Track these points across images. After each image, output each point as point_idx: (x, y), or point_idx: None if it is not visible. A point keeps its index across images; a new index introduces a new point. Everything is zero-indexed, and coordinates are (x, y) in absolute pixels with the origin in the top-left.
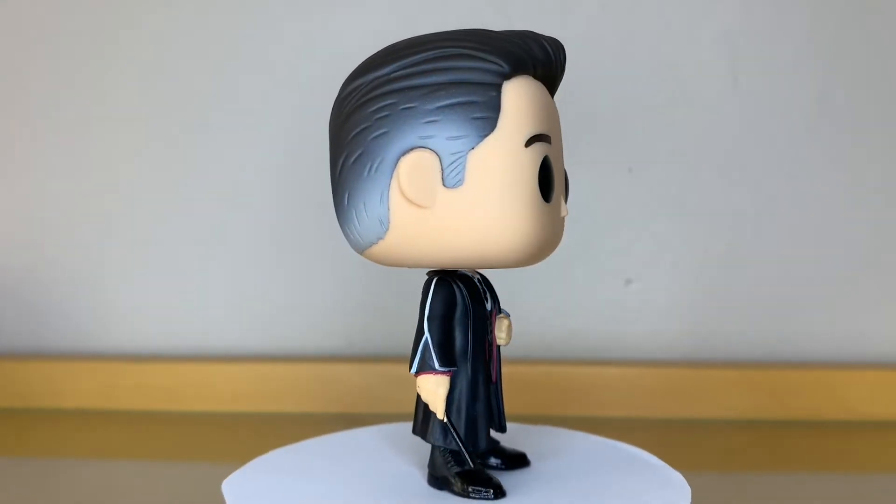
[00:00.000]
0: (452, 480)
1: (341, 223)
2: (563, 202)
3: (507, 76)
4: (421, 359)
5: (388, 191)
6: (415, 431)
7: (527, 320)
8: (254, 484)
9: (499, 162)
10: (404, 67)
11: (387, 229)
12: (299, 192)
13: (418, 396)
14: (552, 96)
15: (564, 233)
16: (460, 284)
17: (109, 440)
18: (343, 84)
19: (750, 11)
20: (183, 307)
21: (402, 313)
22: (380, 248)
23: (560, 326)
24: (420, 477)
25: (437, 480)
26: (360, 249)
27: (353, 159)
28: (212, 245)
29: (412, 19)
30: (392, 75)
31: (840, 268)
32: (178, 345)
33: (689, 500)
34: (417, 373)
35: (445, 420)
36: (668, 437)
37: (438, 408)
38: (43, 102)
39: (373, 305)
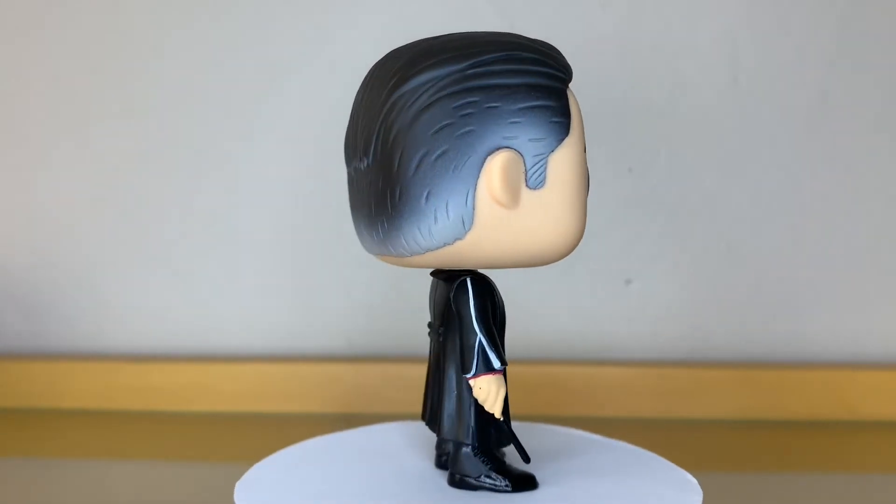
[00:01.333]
0: (490, 478)
1: (407, 223)
2: None
3: (566, 84)
4: (479, 360)
5: (475, 190)
6: (442, 434)
7: (527, 320)
8: (265, 485)
9: (575, 165)
10: (479, 65)
11: (468, 230)
12: (300, 192)
13: (443, 398)
14: None
15: None
16: (491, 283)
17: (109, 440)
18: (397, 78)
19: (750, 11)
20: (183, 307)
21: (402, 313)
22: (452, 249)
23: (560, 326)
24: (435, 474)
25: (464, 480)
26: (421, 251)
27: (434, 156)
28: (212, 245)
29: (413, 19)
30: (468, 72)
31: (840, 268)
32: (178, 345)
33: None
34: (477, 374)
35: (503, 419)
36: (668, 437)
37: (498, 407)
38: (43, 102)
39: (373, 305)
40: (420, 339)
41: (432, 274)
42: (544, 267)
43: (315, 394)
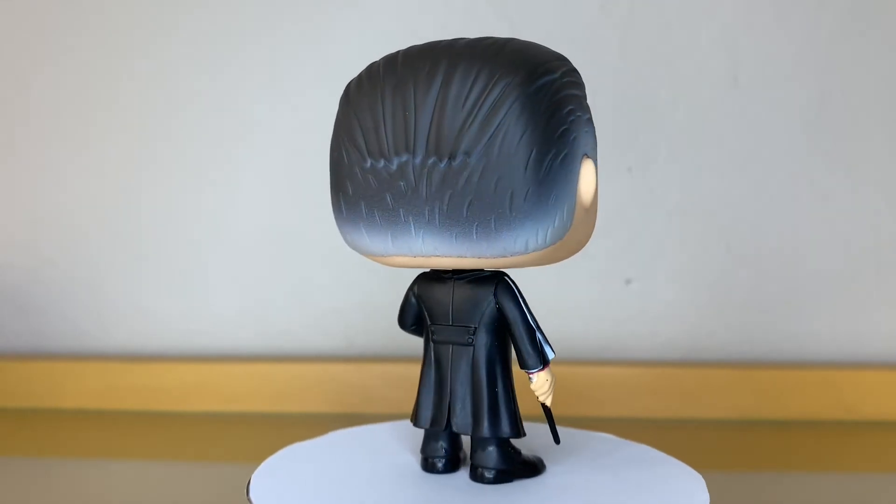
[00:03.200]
0: (522, 467)
1: (531, 223)
2: None
3: None
4: (540, 354)
5: (576, 194)
6: (482, 433)
7: None
8: (278, 480)
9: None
10: (565, 76)
11: (568, 230)
12: (299, 191)
13: (480, 397)
14: None
15: None
16: None
17: (109, 440)
18: (514, 80)
19: (750, 11)
20: (183, 307)
21: None
22: (550, 250)
23: (560, 326)
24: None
25: (498, 475)
26: (527, 251)
27: (559, 159)
28: (212, 245)
29: (413, 20)
30: (563, 80)
31: (840, 268)
32: (178, 345)
33: (706, 495)
34: (541, 368)
35: (549, 407)
36: (668, 437)
37: (552, 396)
38: (44, 102)
39: (373, 305)
40: (419, 338)
41: (453, 274)
42: (544, 267)
43: (315, 394)
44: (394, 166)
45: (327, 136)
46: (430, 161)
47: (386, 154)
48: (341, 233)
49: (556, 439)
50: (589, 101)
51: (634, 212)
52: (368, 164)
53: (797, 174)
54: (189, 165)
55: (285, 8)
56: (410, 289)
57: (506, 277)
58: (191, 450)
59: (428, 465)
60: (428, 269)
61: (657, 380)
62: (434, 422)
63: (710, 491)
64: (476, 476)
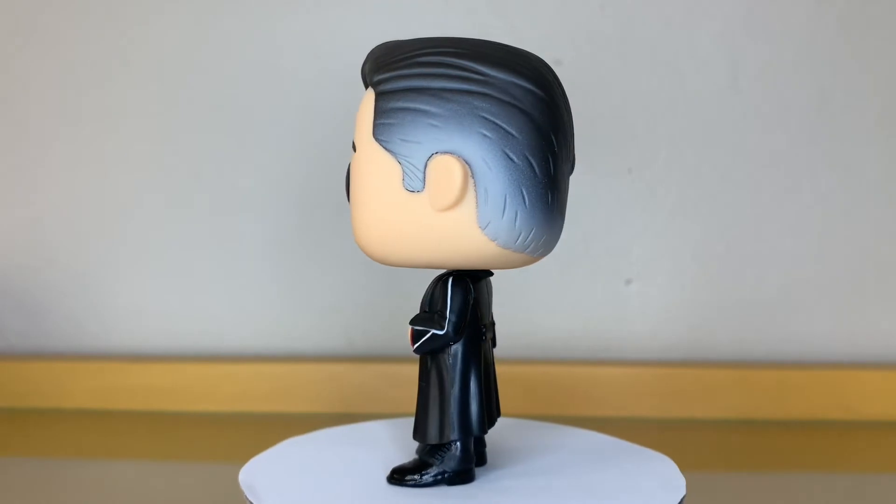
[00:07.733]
0: None
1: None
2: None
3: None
4: None
5: None
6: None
7: (527, 320)
8: (269, 473)
9: None
10: None
11: None
12: (300, 192)
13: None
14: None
15: (564, 232)
16: None
17: (110, 440)
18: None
19: (750, 11)
20: (183, 307)
21: (401, 313)
22: None
23: (560, 326)
24: None
25: None
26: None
27: None
28: (212, 245)
29: (412, 19)
30: None
31: (840, 268)
32: (179, 345)
33: (682, 481)
34: None
35: None
36: (668, 437)
37: None
38: (44, 103)
39: (373, 305)
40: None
41: (485, 275)
42: (544, 267)
43: (315, 394)
44: (567, 175)
45: (326, 134)
46: (568, 168)
47: (563, 158)
48: (535, 233)
49: None
50: (589, 101)
51: (634, 212)
52: (564, 171)
53: (797, 174)
54: (190, 165)
55: (286, 7)
56: (467, 292)
57: None
58: (191, 450)
59: (470, 476)
60: (471, 272)
61: (657, 380)
62: (490, 423)
63: (709, 491)
64: (483, 461)
